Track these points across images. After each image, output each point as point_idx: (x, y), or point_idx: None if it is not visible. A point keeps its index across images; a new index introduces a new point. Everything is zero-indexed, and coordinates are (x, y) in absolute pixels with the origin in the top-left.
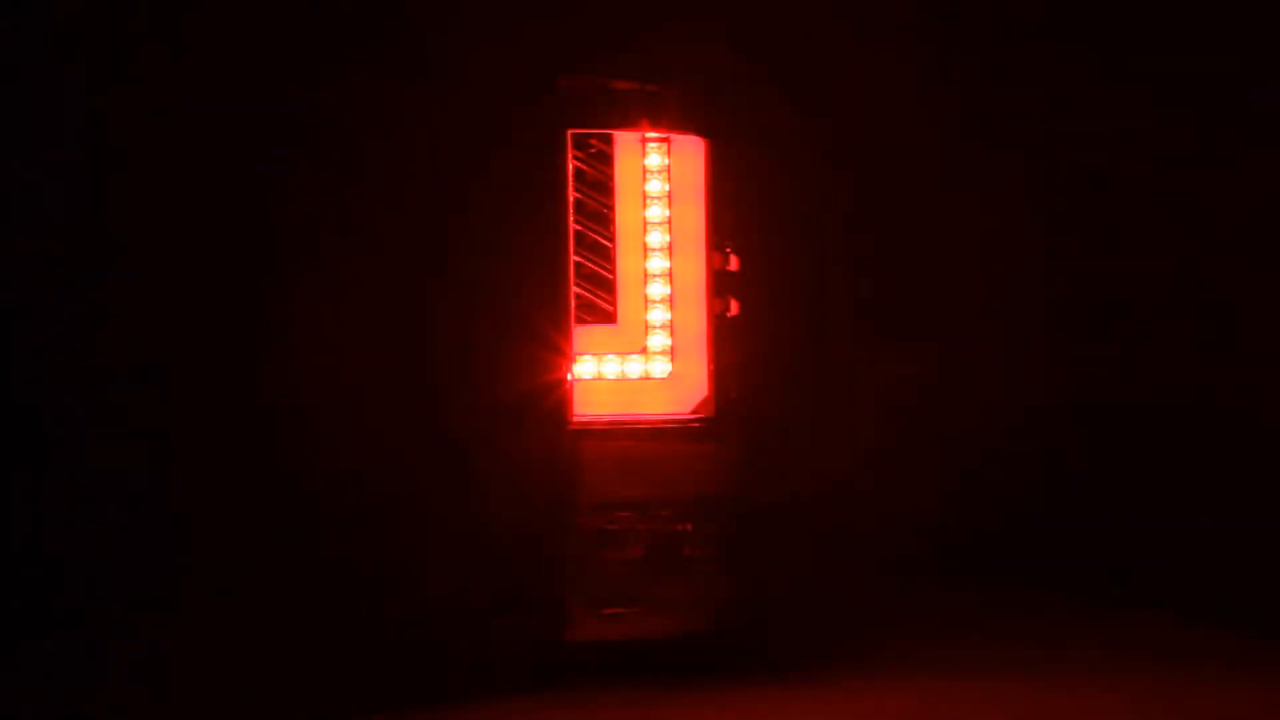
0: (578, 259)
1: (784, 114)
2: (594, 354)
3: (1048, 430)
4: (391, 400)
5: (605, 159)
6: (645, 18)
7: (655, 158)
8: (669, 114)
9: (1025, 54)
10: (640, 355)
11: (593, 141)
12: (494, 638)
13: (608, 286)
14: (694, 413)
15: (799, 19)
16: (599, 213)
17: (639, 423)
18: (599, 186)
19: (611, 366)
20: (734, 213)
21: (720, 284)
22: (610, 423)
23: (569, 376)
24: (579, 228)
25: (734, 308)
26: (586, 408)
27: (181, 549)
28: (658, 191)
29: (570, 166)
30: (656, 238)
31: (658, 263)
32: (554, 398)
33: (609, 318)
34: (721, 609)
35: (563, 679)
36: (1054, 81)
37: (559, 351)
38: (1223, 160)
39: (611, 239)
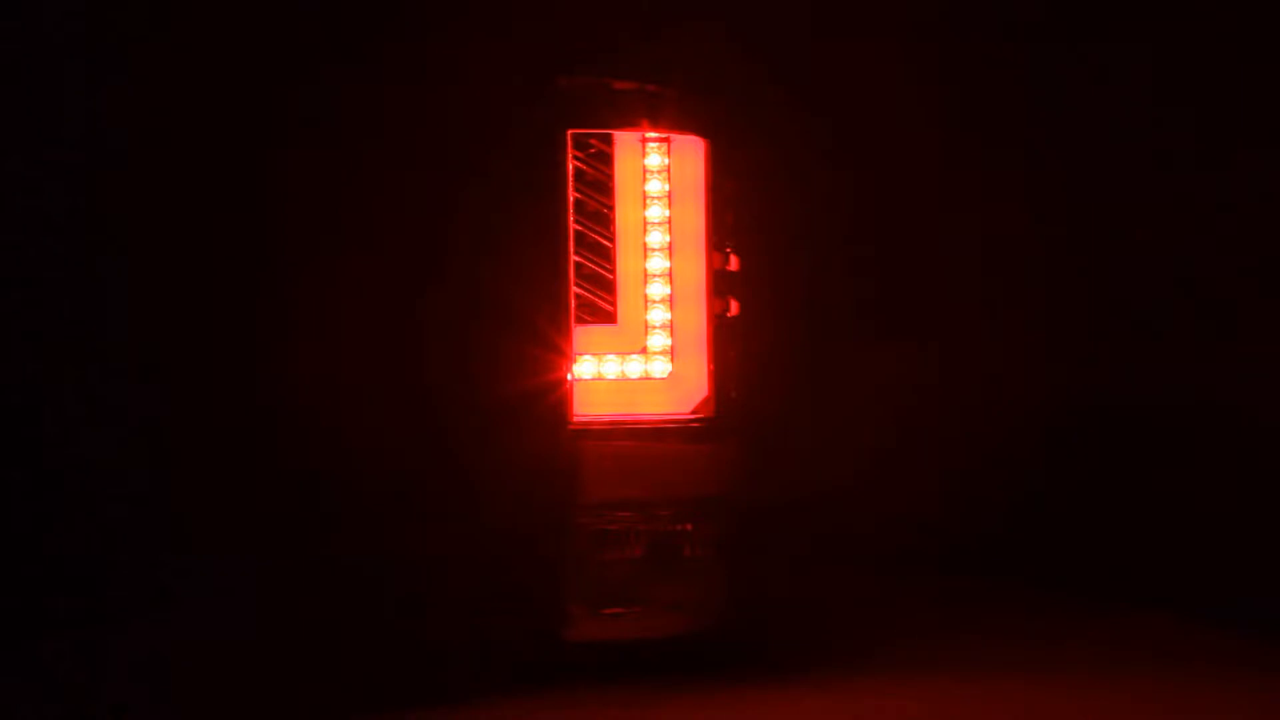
0: (578, 259)
1: (784, 114)
2: (594, 354)
3: (1048, 430)
4: (391, 400)
5: (605, 159)
6: (645, 18)
7: (655, 158)
8: (669, 114)
9: (1025, 54)
10: (640, 355)
11: (593, 141)
12: (494, 638)
13: (608, 286)
14: (694, 413)
15: (799, 19)
16: (599, 213)
17: (639, 423)
18: (599, 186)
19: (611, 366)
20: (734, 213)
21: (720, 284)
22: (610, 423)
23: (569, 376)
24: (579, 228)
25: (734, 308)
26: (586, 408)
27: (181, 549)
28: (658, 191)
29: (570, 166)
30: (656, 238)
31: (658, 263)
32: (554, 398)
33: (609, 318)
34: (721, 609)
35: (563, 679)
36: (1054, 81)
37: (559, 351)
38: (1223, 160)
39: (611, 239)
